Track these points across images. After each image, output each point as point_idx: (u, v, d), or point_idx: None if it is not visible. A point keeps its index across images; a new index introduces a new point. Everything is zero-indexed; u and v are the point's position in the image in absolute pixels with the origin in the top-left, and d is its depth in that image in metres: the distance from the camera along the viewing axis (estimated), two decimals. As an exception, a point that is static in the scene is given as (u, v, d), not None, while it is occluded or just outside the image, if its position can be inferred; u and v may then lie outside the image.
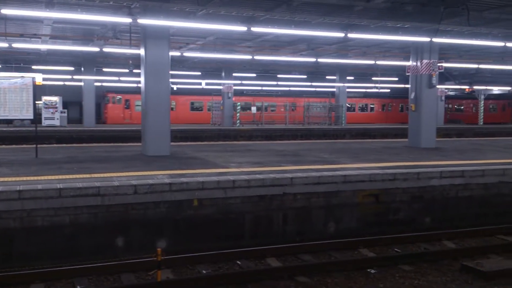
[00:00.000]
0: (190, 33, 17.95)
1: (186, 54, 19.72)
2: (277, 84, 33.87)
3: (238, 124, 29.48)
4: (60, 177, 7.64)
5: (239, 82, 30.93)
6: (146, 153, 11.07)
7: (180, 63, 26.92)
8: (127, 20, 10.69)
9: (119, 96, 30.79)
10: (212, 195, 7.45)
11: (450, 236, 8.14)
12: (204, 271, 6.39)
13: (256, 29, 11.63)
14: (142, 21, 10.46)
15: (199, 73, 30.29)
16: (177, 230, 7.29)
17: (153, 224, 7.13)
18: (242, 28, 11.42)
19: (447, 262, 6.91)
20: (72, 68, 26.57)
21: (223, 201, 7.56)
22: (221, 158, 10.69)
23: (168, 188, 7.18)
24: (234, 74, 29.79)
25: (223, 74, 29.00)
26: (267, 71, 32.66)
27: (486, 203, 9.27)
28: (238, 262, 6.78)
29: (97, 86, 27.56)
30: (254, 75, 32.71)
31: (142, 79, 11.28)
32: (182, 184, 7.28)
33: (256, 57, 21.10)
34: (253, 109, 31.75)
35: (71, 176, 7.71)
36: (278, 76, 33.92)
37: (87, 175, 7.84)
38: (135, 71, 17.20)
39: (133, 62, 19.67)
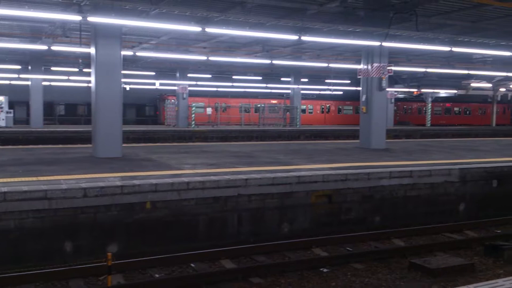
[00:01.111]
0: (143, 32, 17.67)
1: (139, 53, 19.39)
2: (232, 85, 33.87)
3: (193, 125, 29.26)
4: (5, 180, 7.32)
5: (194, 82, 30.71)
6: (97, 155, 10.79)
7: (133, 63, 26.43)
8: (77, 18, 10.37)
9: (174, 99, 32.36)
10: (165, 198, 7.34)
11: (399, 234, 8.40)
12: (156, 275, 6.30)
13: (210, 30, 11.57)
14: (93, 19, 10.19)
15: (153, 73, 29.84)
16: (129, 234, 7.14)
17: (103, 227, 6.95)
18: (197, 29, 11.34)
19: (396, 259, 7.12)
20: (19, 67, 25.52)
21: (177, 203, 7.47)
22: (175, 159, 10.57)
23: (119, 190, 7.02)
24: (189, 75, 29.55)
25: (177, 74, 28.72)
26: (223, 72, 32.61)
27: (432, 202, 9.63)
28: (192, 264, 6.72)
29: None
30: (210, 76, 32.57)
31: (92, 78, 10.98)
32: (134, 187, 7.14)
33: (211, 58, 21.03)
34: (208, 110, 31.60)
35: (16, 179, 7.40)
36: (234, 77, 33.93)
37: (34, 178, 7.55)
38: (85, 70, 16.73)
39: (84, 61, 19.13)
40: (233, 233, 7.92)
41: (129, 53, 18.66)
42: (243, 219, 8.00)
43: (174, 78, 29.14)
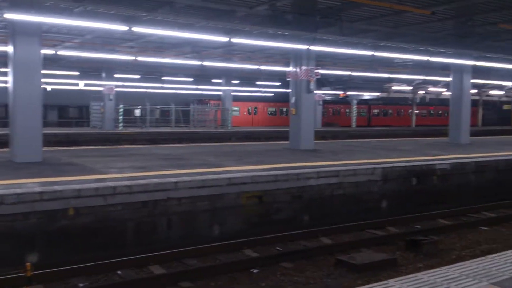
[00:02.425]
0: (66, 30, 16.89)
1: (61, 52, 18.52)
2: (161, 86, 33.27)
3: (120, 127, 28.42)
4: None
5: (121, 83, 29.83)
6: (15, 160, 10.16)
7: (55, 62, 25.18)
8: (-7, 14, 9.74)
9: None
10: (90, 203, 7.05)
11: (326, 232, 8.64)
12: (80, 284, 6.03)
13: (137, 29, 11.28)
14: (10, 16, 9.59)
15: (77, 73, 28.62)
16: (51, 242, 6.79)
17: (22, 236, 6.55)
18: (123, 28, 11.00)
19: (323, 257, 7.32)
20: None
21: (103, 208, 7.20)
22: (100, 163, 10.19)
23: (39, 197, 6.65)
24: (116, 75, 28.67)
25: (103, 74, 27.77)
26: (152, 72, 31.93)
27: (357, 200, 10.00)
28: (118, 272, 6.50)
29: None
30: (138, 76, 31.78)
31: (10, 78, 10.34)
32: (55, 193, 6.79)
33: (139, 58, 20.52)
34: (136, 112, 30.84)
35: None
36: (163, 78, 33.34)
37: None
38: (1, 70, 15.73)
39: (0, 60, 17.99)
40: (163, 237, 7.76)
41: (50, 52, 17.77)
42: (173, 223, 7.87)
43: (100, 78, 28.16)
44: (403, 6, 12.33)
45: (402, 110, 44.69)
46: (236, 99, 36.99)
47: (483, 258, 4.50)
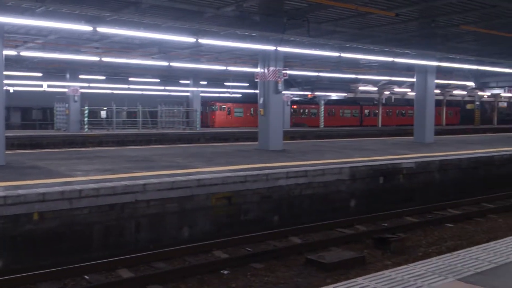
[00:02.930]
0: (28, 30, 16.45)
1: (24, 53, 18.02)
2: (128, 87, 32.79)
3: (86, 129, 27.87)
4: None
5: (86, 84, 29.25)
6: (-24, 164, 9.83)
7: (17, 63, 24.50)
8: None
9: (224, 105, 38.27)
10: (55, 207, 6.88)
11: (296, 232, 8.69)
12: (47, 290, 5.88)
13: (102, 29, 11.08)
14: (-32, 14, 9.27)
15: (40, 74, 27.88)
16: (15, 248, 6.59)
17: (-16, 243, 6.34)
18: (87, 28, 10.79)
19: (293, 257, 7.35)
20: None
21: (69, 212, 7.04)
22: (65, 166, 9.96)
23: (2, 201, 6.45)
24: (81, 76, 28.08)
25: (68, 75, 27.16)
26: (118, 73, 31.44)
27: (326, 199, 10.10)
28: (86, 276, 6.37)
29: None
30: (103, 77, 31.23)
31: (-31, 80, 9.97)
32: (18, 197, 6.59)
33: (104, 59, 20.17)
34: (102, 113, 30.30)
35: None
36: (130, 79, 32.87)
37: None
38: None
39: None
40: (131, 240, 7.65)
41: (12, 52, 17.25)
42: (142, 226, 7.76)
43: (65, 80, 27.53)
44: (368, 8, 12.55)
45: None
46: (241, 101, 38.64)
47: (449, 254, 4.61)
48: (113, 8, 12.24)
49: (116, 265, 6.74)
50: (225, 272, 6.64)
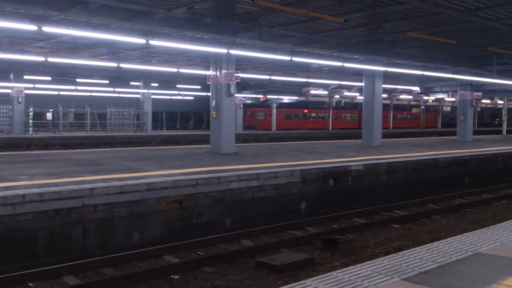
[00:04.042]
0: (-33, 28, 15.63)
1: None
2: (76, 88, 31.77)
3: (31, 132, 26.79)
4: None
5: (31, 85, 28.12)
6: None
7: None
8: None
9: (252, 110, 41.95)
10: (-4, 213, 6.57)
11: (248, 235, 8.72)
12: (-14, 301, 5.60)
13: (48, 29, 10.71)
14: None
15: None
16: (-49, 257, 6.24)
17: None
18: (32, 27, 10.40)
19: (245, 260, 7.37)
20: None
21: (11, 218, 6.74)
22: (8, 170, 9.54)
23: None
24: (27, 77, 26.98)
25: (11, 76, 26.02)
26: (65, 74, 30.39)
27: (278, 202, 10.18)
28: (30, 284, 6.12)
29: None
30: (49, 78, 30.12)
31: None
32: (-44, 203, 6.25)
33: (50, 59, 19.46)
34: (48, 115, 29.25)
35: None
36: (78, 80, 31.86)
37: None
38: None
39: None
40: (78, 246, 7.41)
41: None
42: (89, 231, 7.54)
43: (8, 80, 26.36)
44: (318, 14, 12.77)
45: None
46: (261, 106, 40.44)
47: (394, 255, 4.76)
48: (60, 7, 11.84)
49: (62, 271, 6.52)
50: (176, 277, 6.56)
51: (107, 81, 32.45)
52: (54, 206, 7.14)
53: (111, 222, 7.76)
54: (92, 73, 29.66)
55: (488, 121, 56.93)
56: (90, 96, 34.24)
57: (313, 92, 36.91)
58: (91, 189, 7.57)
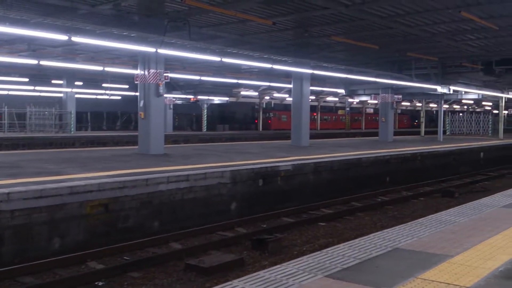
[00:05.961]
0: None
1: None
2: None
3: None
4: None
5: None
6: None
7: None
8: None
9: (276, 113, 45.85)
10: None
11: (177, 237, 8.59)
12: None
13: (-41, 22, 9.95)
14: None
15: None
16: None
17: None
18: None
19: (173, 263, 7.25)
20: None
21: None
22: None
23: None
24: None
25: None
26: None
27: (208, 203, 10.13)
28: None
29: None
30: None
31: None
32: None
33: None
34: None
35: None
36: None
37: None
38: None
39: None
40: (-8, 255, 6.94)
41: None
42: (5, 238, 7.08)
43: None
44: (247, 15, 12.88)
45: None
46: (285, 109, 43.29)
47: (319, 252, 4.88)
48: (-28, -1, 11.05)
49: (-27, 284, 6.07)
50: (100, 283, 6.33)
51: (26, 79, 30.70)
52: (-36, 213, 6.64)
53: (29, 228, 7.34)
54: (10, 70, 27.94)
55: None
56: (8, 94, 32.25)
57: (243, 93, 37.13)
58: (8, 193, 7.11)
